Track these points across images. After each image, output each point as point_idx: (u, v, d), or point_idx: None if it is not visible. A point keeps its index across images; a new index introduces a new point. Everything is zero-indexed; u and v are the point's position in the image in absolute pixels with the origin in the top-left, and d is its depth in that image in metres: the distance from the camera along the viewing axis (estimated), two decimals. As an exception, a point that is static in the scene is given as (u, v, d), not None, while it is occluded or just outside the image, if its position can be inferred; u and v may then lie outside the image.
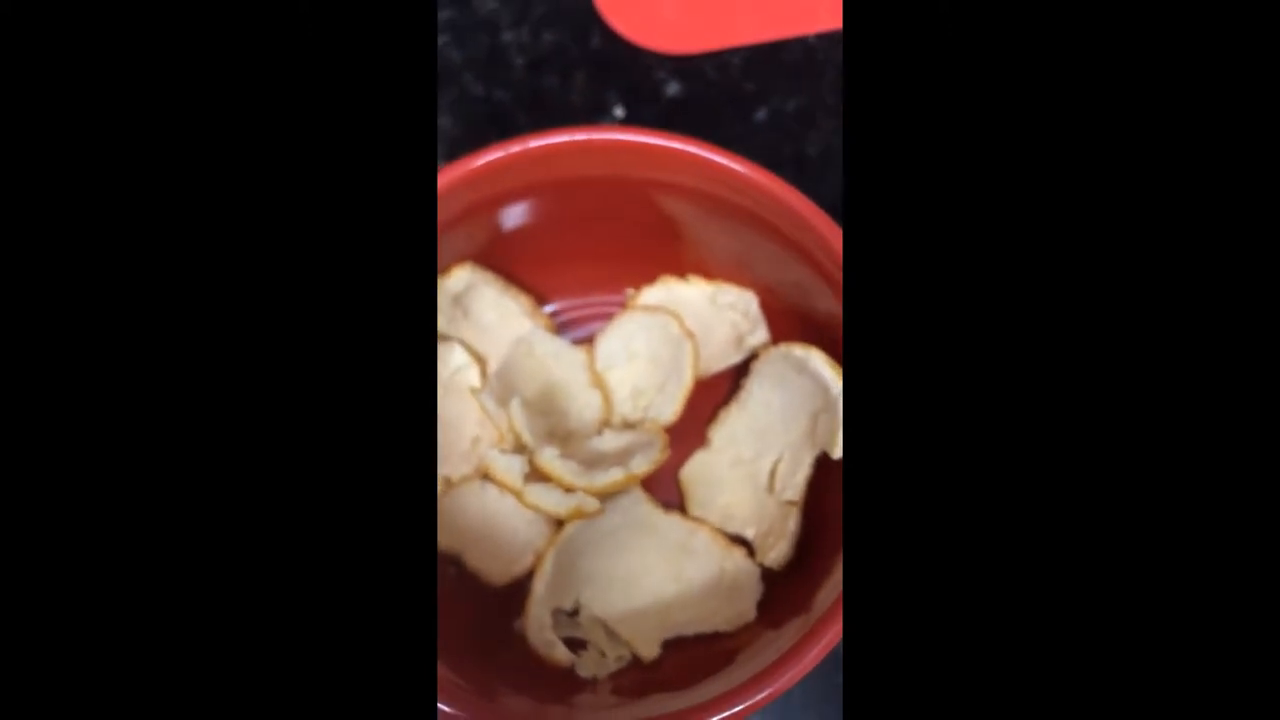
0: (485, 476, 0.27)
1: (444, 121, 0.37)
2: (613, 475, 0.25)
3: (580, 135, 0.26)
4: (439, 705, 0.21)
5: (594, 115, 0.37)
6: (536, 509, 0.25)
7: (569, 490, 0.25)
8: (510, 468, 0.25)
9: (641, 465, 0.25)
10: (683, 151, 0.26)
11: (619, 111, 0.37)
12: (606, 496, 0.26)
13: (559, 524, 0.27)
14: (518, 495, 0.25)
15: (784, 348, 0.27)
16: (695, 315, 0.29)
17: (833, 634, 0.22)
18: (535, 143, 0.26)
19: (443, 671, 0.22)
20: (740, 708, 0.21)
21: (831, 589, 0.23)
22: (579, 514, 0.25)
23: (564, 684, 0.25)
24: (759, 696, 0.21)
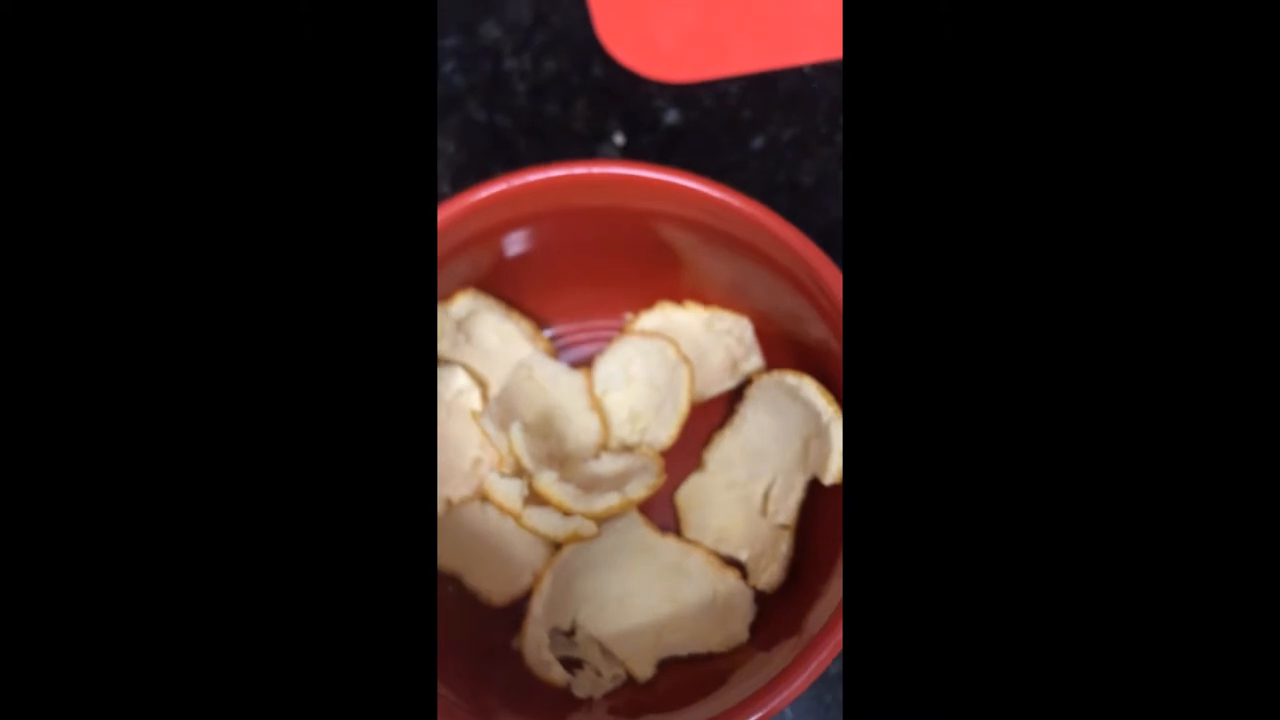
0: (486, 498, 0.28)
1: (448, 146, 0.37)
2: (609, 500, 0.26)
3: (579, 169, 0.26)
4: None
5: (594, 142, 0.38)
6: (535, 532, 0.26)
7: (567, 514, 0.26)
8: (510, 491, 0.26)
9: (638, 490, 0.26)
10: (679, 185, 0.26)
11: (619, 139, 0.38)
12: (603, 520, 0.27)
13: (557, 545, 0.27)
14: (516, 518, 0.26)
15: (777, 375, 0.28)
16: (692, 341, 0.30)
17: (824, 657, 0.22)
18: (535, 176, 0.26)
19: (440, 690, 0.23)
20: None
21: (822, 611, 0.24)
22: (576, 537, 0.26)
23: (560, 704, 0.26)
24: (751, 719, 0.22)
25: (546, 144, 0.38)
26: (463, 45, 0.39)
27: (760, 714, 0.22)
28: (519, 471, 0.27)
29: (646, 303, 0.31)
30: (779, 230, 0.26)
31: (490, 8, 0.40)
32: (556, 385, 0.29)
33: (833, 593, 0.24)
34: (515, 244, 0.29)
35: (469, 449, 0.29)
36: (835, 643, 0.22)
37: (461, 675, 0.24)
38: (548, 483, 0.26)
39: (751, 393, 0.29)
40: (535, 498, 0.26)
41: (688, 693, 0.25)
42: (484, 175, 0.27)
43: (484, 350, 0.30)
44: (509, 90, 0.38)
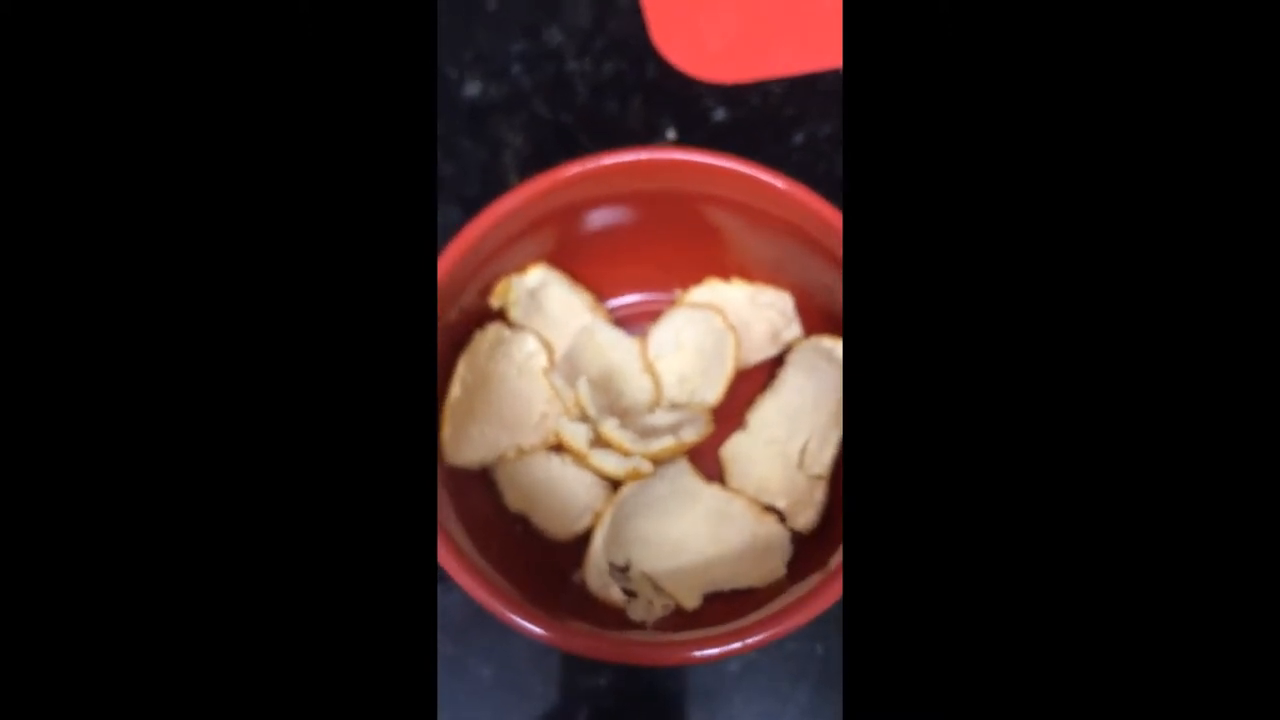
0: (552, 447, 0.32)
1: (515, 140, 0.41)
2: (665, 442, 0.29)
3: (643, 154, 0.30)
4: (519, 620, 0.25)
5: (649, 138, 0.41)
6: (599, 471, 0.29)
7: (627, 455, 0.29)
8: (578, 433, 0.29)
9: (690, 435, 0.29)
10: (729, 169, 0.30)
11: (671, 134, 0.41)
12: (658, 462, 0.30)
13: (616, 487, 0.30)
14: (583, 457, 0.29)
15: (815, 339, 0.31)
16: (736, 313, 0.33)
17: (841, 585, 0.25)
18: (605, 160, 0.30)
19: (519, 599, 0.26)
20: (757, 638, 0.25)
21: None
22: (635, 475, 0.29)
23: (617, 622, 0.29)
24: (777, 629, 0.25)
25: (605, 139, 0.41)
26: (529, 49, 0.43)
27: (779, 629, 0.25)
28: (584, 419, 0.31)
29: (696, 279, 0.34)
30: (818, 208, 0.29)
31: (554, 14, 0.44)
32: (615, 349, 0.33)
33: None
34: (581, 224, 0.33)
35: (537, 404, 0.32)
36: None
37: (535, 593, 0.27)
38: (611, 428, 0.29)
39: (791, 358, 0.32)
40: (599, 442, 0.30)
41: (726, 617, 0.28)
42: (548, 167, 0.30)
43: (551, 318, 0.33)
44: (571, 90, 0.42)
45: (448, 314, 0.30)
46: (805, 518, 0.31)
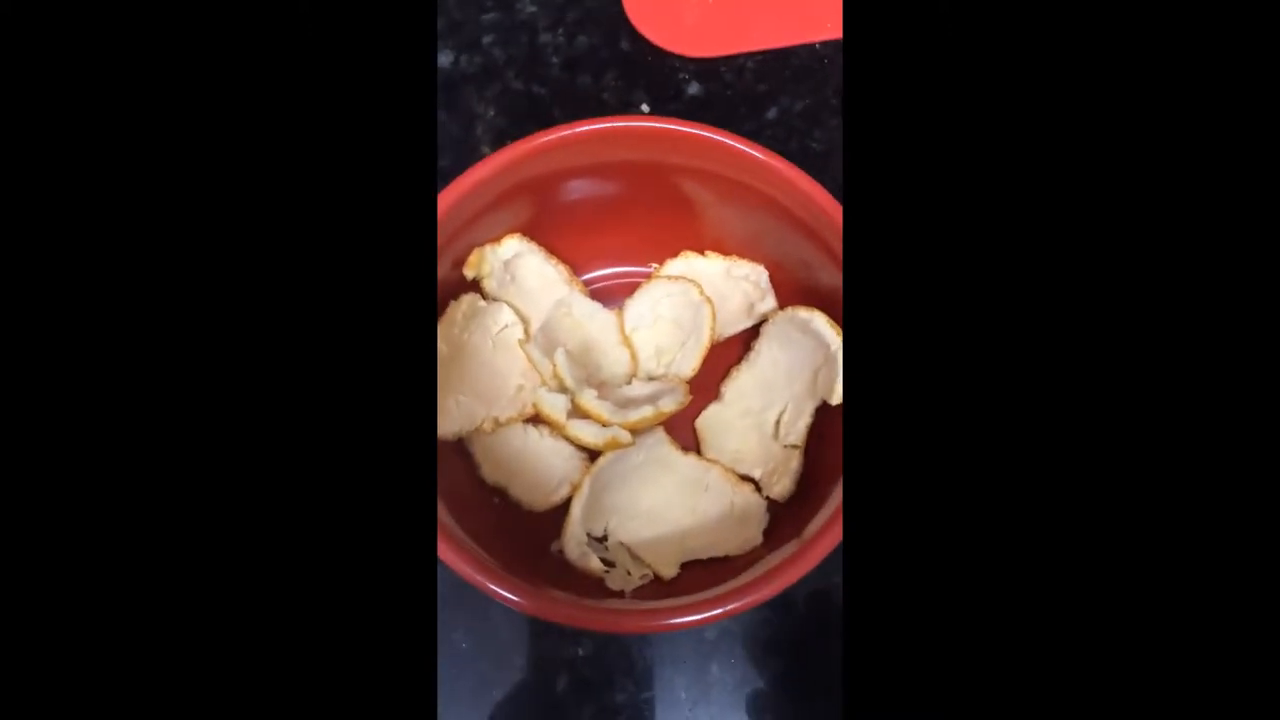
0: (529, 420, 0.31)
1: (489, 112, 0.41)
2: (643, 412, 0.29)
3: (619, 123, 0.30)
4: (500, 591, 0.25)
5: (623, 111, 0.41)
6: (577, 441, 0.29)
7: (605, 425, 0.29)
8: (556, 404, 0.29)
9: (668, 405, 0.29)
10: (705, 138, 0.30)
11: (645, 108, 0.41)
12: (636, 432, 0.30)
13: (593, 458, 0.31)
14: (561, 428, 0.29)
15: (790, 310, 0.31)
16: (712, 286, 0.33)
17: (818, 552, 0.25)
18: (579, 129, 0.30)
19: (499, 570, 0.26)
20: (736, 605, 0.25)
21: (822, 516, 0.27)
22: (614, 445, 0.29)
23: (595, 592, 0.29)
24: (754, 596, 0.25)
25: (579, 112, 0.41)
26: (501, 20, 0.43)
27: (755, 597, 0.25)
28: (562, 391, 0.31)
29: (672, 252, 0.34)
30: (795, 179, 0.29)
31: (527, -14, 0.44)
32: (592, 321, 0.33)
33: (833, 498, 0.27)
34: (557, 197, 0.32)
35: (513, 377, 0.32)
36: (830, 540, 0.25)
37: (515, 564, 0.27)
38: (589, 399, 0.29)
39: (766, 329, 0.33)
40: (577, 412, 0.30)
41: (703, 585, 0.28)
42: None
43: (526, 290, 0.33)
44: (544, 62, 0.42)
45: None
46: (781, 486, 0.31)
